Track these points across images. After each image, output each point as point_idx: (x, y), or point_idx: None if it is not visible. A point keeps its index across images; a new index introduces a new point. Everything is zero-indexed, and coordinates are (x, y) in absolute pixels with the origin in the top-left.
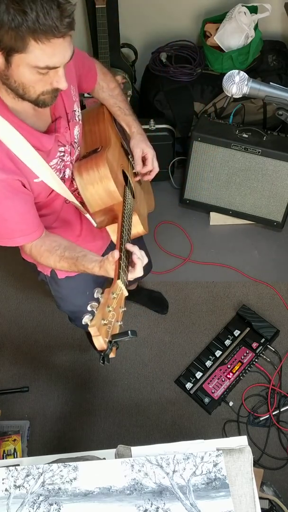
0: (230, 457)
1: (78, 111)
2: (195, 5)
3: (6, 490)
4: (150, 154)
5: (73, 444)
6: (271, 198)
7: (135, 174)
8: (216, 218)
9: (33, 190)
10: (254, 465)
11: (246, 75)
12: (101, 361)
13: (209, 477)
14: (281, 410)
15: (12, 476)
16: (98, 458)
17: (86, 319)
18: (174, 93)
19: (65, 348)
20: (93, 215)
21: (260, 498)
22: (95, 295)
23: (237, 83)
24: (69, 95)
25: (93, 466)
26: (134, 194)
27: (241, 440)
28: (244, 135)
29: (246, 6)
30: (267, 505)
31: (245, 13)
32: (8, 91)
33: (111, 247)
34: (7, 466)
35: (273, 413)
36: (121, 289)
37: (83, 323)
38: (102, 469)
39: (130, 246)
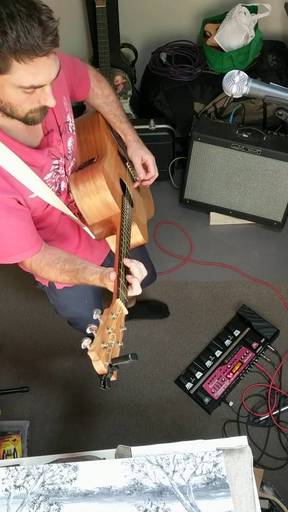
0: (230, 457)
1: (72, 122)
2: (195, 5)
3: (6, 490)
4: (150, 159)
5: (73, 444)
6: (271, 198)
7: (133, 181)
8: (216, 218)
9: (29, 206)
10: (254, 465)
11: (246, 75)
12: (102, 386)
13: (209, 477)
14: (281, 410)
15: (12, 476)
16: (98, 458)
17: (85, 343)
18: (174, 93)
19: (65, 348)
20: (91, 227)
21: (260, 498)
22: (94, 317)
23: (237, 83)
24: (61, 107)
25: (93, 466)
26: (132, 203)
27: (241, 440)
28: (244, 135)
29: (246, 6)
30: (267, 505)
31: (245, 13)
32: None
33: (110, 256)
34: (7, 466)
35: (273, 413)
36: (120, 308)
37: (82, 347)
38: (102, 469)
39: (127, 262)
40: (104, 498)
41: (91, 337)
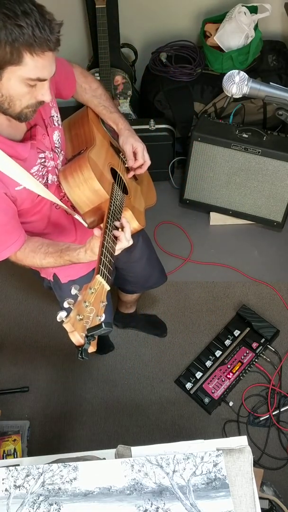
0: (230, 457)
1: (57, 116)
2: (195, 5)
3: (6, 490)
4: (140, 147)
5: (73, 444)
6: (271, 198)
7: (128, 170)
8: (216, 218)
9: (16, 197)
10: (254, 465)
11: (246, 75)
12: (79, 356)
13: (209, 477)
14: (281, 410)
15: (12, 476)
16: (98, 458)
17: (61, 315)
18: (174, 93)
19: (65, 348)
20: (84, 216)
21: (260, 498)
22: (72, 292)
23: (237, 83)
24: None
25: (93, 466)
26: (127, 190)
27: (241, 440)
28: (244, 135)
29: (246, 6)
30: (267, 505)
31: (245, 13)
32: None
33: None
34: (7, 466)
35: (273, 413)
36: (100, 283)
37: (58, 319)
38: (102, 469)
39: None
40: (104, 498)
41: (68, 311)
